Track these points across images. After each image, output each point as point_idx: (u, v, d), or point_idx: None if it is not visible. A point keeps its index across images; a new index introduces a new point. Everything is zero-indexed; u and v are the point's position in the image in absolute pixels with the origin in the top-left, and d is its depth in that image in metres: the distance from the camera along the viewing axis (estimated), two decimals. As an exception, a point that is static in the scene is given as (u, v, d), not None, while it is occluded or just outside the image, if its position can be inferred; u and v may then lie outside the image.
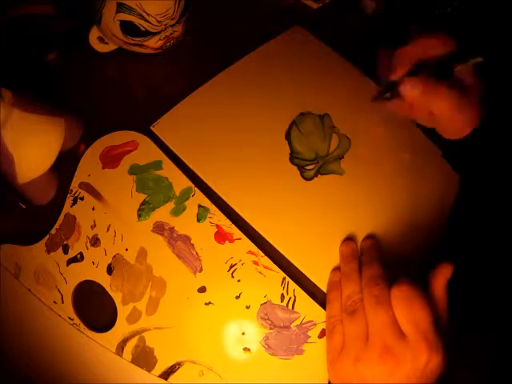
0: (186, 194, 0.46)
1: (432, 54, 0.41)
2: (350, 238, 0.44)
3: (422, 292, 0.35)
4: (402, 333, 0.34)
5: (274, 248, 0.45)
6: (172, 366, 0.42)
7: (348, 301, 0.38)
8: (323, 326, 0.43)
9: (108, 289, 0.44)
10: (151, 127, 0.48)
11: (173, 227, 0.45)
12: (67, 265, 0.44)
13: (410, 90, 0.40)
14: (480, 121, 0.41)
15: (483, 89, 0.41)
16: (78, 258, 0.44)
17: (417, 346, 0.33)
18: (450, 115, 0.40)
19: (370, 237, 0.44)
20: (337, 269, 0.42)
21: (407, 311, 0.34)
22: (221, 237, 0.45)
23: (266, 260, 0.44)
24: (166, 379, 0.42)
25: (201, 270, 0.44)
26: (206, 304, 0.43)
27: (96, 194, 0.46)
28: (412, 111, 0.43)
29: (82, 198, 0.46)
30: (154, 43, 0.50)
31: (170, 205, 0.46)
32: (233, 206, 0.46)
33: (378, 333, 0.34)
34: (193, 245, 0.44)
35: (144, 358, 0.42)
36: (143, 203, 0.46)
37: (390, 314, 0.34)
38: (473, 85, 0.40)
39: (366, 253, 0.41)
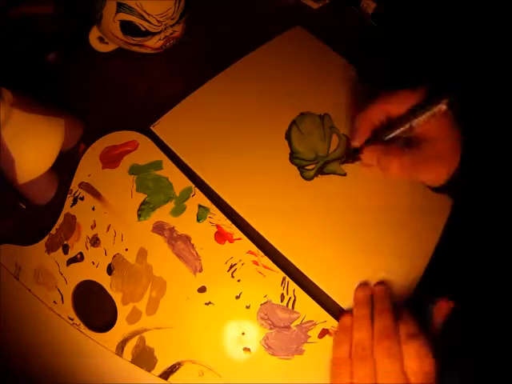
0: (186, 194, 0.46)
1: (394, 113, 0.42)
2: (364, 284, 0.44)
3: (430, 346, 0.37)
4: (409, 382, 0.36)
5: (274, 248, 0.45)
6: (172, 365, 0.42)
7: (359, 347, 0.39)
8: (323, 325, 0.43)
9: (108, 289, 0.44)
10: (151, 127, 0.48)
11: (173, 227, 0.45)
12: (67, 265, 0.44)
13: (367, 160, 0.44)
14: (457, 166, 0.41)
15: (457, 135, 0.41)
16: (78, 258, 0.44)
17: None
18: (406, 175, 0.43)
19: (382, 283, 0.44)
20: (348, 312, 0.43)
21: (417, 365, 0.36)
22: (221, 237, 0.45)
23: (266, 260, 0.44)
24: (166, 379, 0.42)
25: (201, 270, 0.44)
26: (206, 304, 0.43)
27: (96, 194, 0.46)
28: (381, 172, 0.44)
29: (82, 198, 0.46)
30: (153, 43, 0.50)
31: (170, 205, 0.46)
32: (233, 206, 0.46)
33: (386, 381, 0.37)
34: (193, 245, 0.45)
35: (144, 358, 0.42)
36: (143, 203, 0.46)
37: (399, 365, 0.37)
38: (440, 135, 0.41)
39: (379, 302, 0.42)
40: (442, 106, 0.40)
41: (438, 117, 0.40)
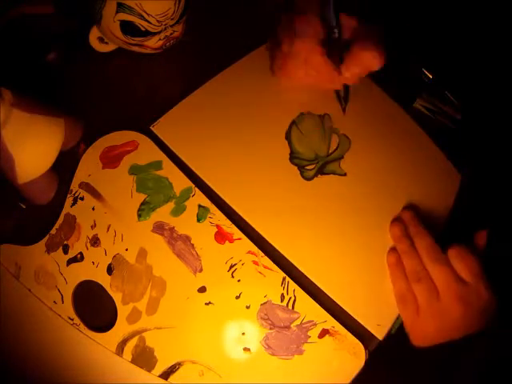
0: (186, 194, 0.46)
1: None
2: (395, 219, 0.47)
3: (469, 250, 0.42)
4: (464, 280, 0.41)
5: (274, 248, 0.45)
6: (172, 365, 0.42)
7: (413, 273, 0.43)
8: (323, 325, 0.43)
9: (108, 289, 0.44)
10: (151, 127, 0.48)
11: (173, 227, 0.45)
12: (67, 265, 0.44)
13: (353, 74, 0.47)
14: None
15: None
16: (78, 258, 0.44)
17: (478, 287, 0.41)
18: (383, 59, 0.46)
19: (408, 208, 0.47)
20: (391, 250, 0.46)
21: (464, 263, 0.41)
22: (221, 237, 0.45)
23: (266, 260, 0.44)
24: (166, 379, 0.42)
25: (201, 270, 0.44)
26: (206, 304, 0.43)
27: (96, 194, 0.46)
28: None
29: (82, 198, 0.46)
30: (153, 43, 0.50)
31: (170, 205, 0.46)
32: (233, 206, 0.46)
33: (446, 286, 0.41)
34: (193, 245, 0.44)
35: (144, 358, 0.42)
36: (143, 203, 0.46)
37: (451, 269, 0.42)
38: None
39: (412, 225, 0.46)
40: None
41: None
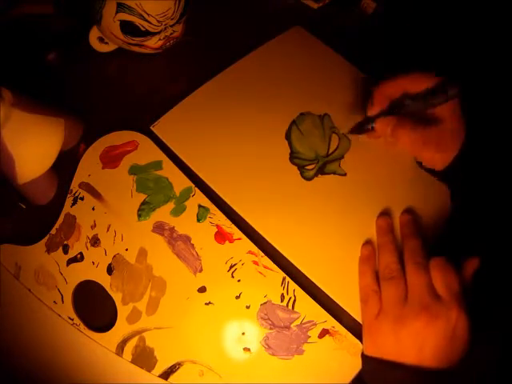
0: (186, 194, 0.46)
1: (410, 91, 0.45)
2: (385, 213, 0.46)
3: (454, 265, 0.40)
4: (438, 295, 0.38)
5: (274, 248, 0.45)
6: (172, 366, 0.42)
7: (386, 269, 0.42)
8: (323, 325, 0.43)
9: (108, 289, 0.44)
10: (151, 127, 0.48)
11: (173, 227, 0.45)
12: (67, 265, 0.44)
13: (381, 129, 0.46)
14: (458, 152, 0.44)
15: (461, 121, 0.44)
16: (78, 258, 0.44)
17: (449, 305, 0.38)
18: (414, 149, 0.46)
19: (407, 211, 0.46)
20: (367, 243, 0.45)
21: (443, 276, 0.39)
22: (221, 237, 0.45)
23: (266, 260, 0.44)
24: (166, 379, 0.42)
25: (201, 270, 0.44)
26: (206, 304, 0.43)
27: (96, 194, 0.46)
28: (386, 144, 0.48)
29: (82, 198, 0.46)
30: (153, 43, 0.50)
31: (170, 205, 0.46)
32: (233, 206, 0.46)
33: (418, 293, 0.39)
34: (193, 245, 0.45)
35: (144, 358, 0.42)
36: (143, 203, 0.46)
37: (429, 277, 0.39)
38: (449, 119, 0.44)
39: (407, 226, 0.45)
40: (455, 92, 0.43)
41: (449, 103, 0.43)
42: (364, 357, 0.41)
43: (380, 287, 0.41)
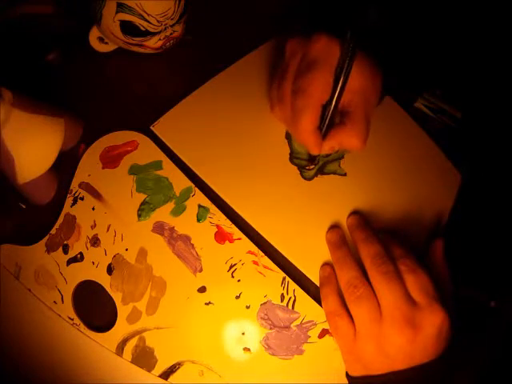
0: (185, 194, 0.46)
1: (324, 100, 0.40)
2: (334, 226, 0.44)
3: (424, 265, 0.37)
4: (414, 301, 0.36)
5: (274, 248, 0.45)
6: (172, 365, 0.42)
7: (349, 287, 0.38)
8: (323, 325, 0.43)
9: (108, 289, 0.44)
10: (151, 127, 0.48)
11: (173, 227, 0.45)
12: (67, 265, 0.44)
13: (331, 151, 0.43)
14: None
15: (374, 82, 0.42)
16: (78, 258, 0.44)
17: (431, 310, 0.35)
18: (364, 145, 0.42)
19: (355, 213, 0.44)
20: (325, 264, 0.43)
21: (416, 280, 0.36)
22: (221, 237, 0.45)
23: (266, 260, 0.44)
24: (165, 379, 0.42)
25: (201, 270, 0.44)
26: (206, 304, 0.43)
27: (96, 194, 0.46)
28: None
29: (82, 198, 0.46)
30: (153, 43, 0.50)
31: (170, 205, 0.46)
32: (233, 206, 0.46)
33: (393, 307, 0.35)
34: (193, 245, 0.45)
35: (144, 358, 0.42)
36: (143, 203, 0.46)
37: (400, 285, 0.36)
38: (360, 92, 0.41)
39: (357, 232, 0.41)
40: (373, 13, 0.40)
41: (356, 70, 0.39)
42: (351, 378, 0.39)
43: (348, 308, 0.38)
